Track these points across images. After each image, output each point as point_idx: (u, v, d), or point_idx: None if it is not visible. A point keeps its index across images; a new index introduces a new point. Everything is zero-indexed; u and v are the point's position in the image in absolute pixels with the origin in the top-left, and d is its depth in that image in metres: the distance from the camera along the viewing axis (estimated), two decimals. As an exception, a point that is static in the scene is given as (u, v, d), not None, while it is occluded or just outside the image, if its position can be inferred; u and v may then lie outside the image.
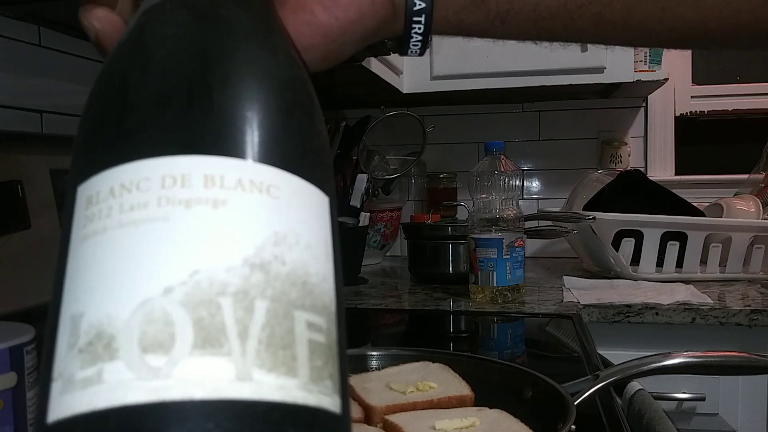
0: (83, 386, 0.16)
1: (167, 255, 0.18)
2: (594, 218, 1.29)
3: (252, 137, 0.20)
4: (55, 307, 0.18)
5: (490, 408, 0.52)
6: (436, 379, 0.59)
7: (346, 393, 0.19)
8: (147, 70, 0.21)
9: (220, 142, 0.19)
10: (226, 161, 0.19)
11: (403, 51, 0.34)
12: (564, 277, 1.40)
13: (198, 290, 0.17)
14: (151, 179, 0.19)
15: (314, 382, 0.17)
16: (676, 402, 1.10)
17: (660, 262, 1.34)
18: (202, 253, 0.18)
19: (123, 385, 0.16)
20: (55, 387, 0.17)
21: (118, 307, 0.17)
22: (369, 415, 0.53)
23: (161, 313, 0.17)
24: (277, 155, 0.20)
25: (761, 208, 1.40)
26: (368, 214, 1.50)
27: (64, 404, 0.16)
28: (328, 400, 0.18)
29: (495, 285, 1.16)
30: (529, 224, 1.25)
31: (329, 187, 0.22)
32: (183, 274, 0.17)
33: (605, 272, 1.41)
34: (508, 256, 1.16)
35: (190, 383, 0.16)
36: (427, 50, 0.34)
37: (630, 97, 1.73)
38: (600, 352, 0.95)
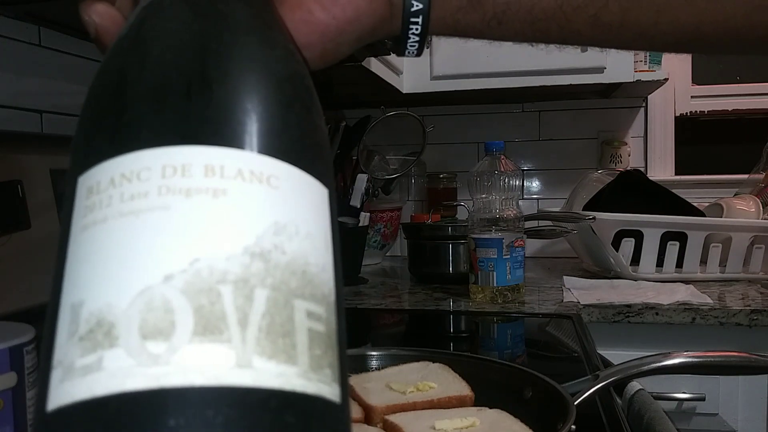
0: (83, 373, 0.16)
1: (167, 243, 0.18)
2: (594, 218, 1.29)
3: (252, 129, 0.20)
4: (55, 297, 0.18)
5: (490, 408, 0.52)
6: (436, 379, 0.58)
7: (345, 383, 0.19)
8: (148, 63, 0.21)
9: (221, 132, 0.20)
10: (227, 151, 0.19)
11: (400, 51, 0.34)
12: (564, 277, 1.40)
13: (198, 278, 0.17)
14: (152, 169, 0.19)
15: (314, 371, 0.18)
16: (676, 402, 1.10)
17: (660, 262, 1.34)
18: (203, 241, 0.18)
19: (123, 371, 0.16)
20: (55, 375, 0.17)
21: (118, 295, 0.17)
22: (369, 415, 0.53)
23: (161, 300, 0.17)
24: (277, 147, 0.20)
25: (761, 208, 1.40)
26: (368, 214, 1.50)
27: (64, 392, 0.16)
28: (328, 389, 0.18)
29: (495, 285, 1.16)
30: (529, 224, 1.25)
31: (329, 180, 0.22)
32: (183, 262, 0.17)
33: (605, 272, 1.41)
34: (508, 256, 1.16)
35: (190, 370, 0.16)
36: (425, 51, 0.34)
37: (630, 97, 1.73)
38: (600, 352, 0.95)
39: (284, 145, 0.21)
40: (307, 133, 0.22)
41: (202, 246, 0.18)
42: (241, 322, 0.17)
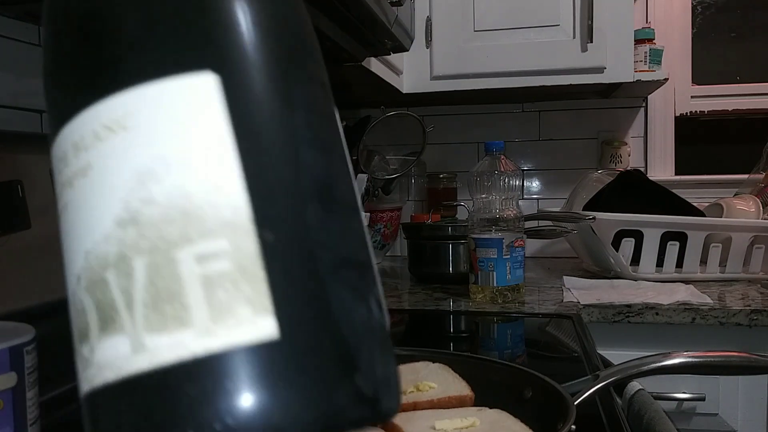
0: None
1: (73, 242, 0.17)
2: (594, 218, 1.29)
3: (90, 72, 0.17)
4: None
5: (490, 408, 0.52)
6: (436, 379, 0.58)
7: (294, 308, 0.16)
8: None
9: (72, 101, 0.18)
10: (82, 117, 0.17)
11: None
12: (564, 277, 1.40)
13: (91, 271, 0.17)
14: (54, 167, 0.19)
15: (216, 321, 0.15)
16: (676, 402, 1.10)
17: (660, 262, 1.34)
18: (85, 229, 0.17)
19: (79, 379, 0.17)
20: None
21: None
22: (369, 415, 0.53)
23: (79, 303, 0.17)
24: (125, 72, 0.17)
25: (761, 208, 1.40)
26: (368, 214, 1.50)
27: None
28: (244, 330, 0.16)
29: (495, 285, 1.16)
30: (529, 224, 1.25)
31: (222, 56, 0.17)
32: (81, 259, 0.17)
33: (605, 272, 1.41)
34: (508, 256, 1.16)
35: (102, 368, 0.16)
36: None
37: (630, 97, 1.73)
38: (600, 352, 0.95)
39: (132, 61, 0.17)
40: (169, 17, 0.17)
41: (86, 235, 0.17)
42: (128, 305, 0.16)
